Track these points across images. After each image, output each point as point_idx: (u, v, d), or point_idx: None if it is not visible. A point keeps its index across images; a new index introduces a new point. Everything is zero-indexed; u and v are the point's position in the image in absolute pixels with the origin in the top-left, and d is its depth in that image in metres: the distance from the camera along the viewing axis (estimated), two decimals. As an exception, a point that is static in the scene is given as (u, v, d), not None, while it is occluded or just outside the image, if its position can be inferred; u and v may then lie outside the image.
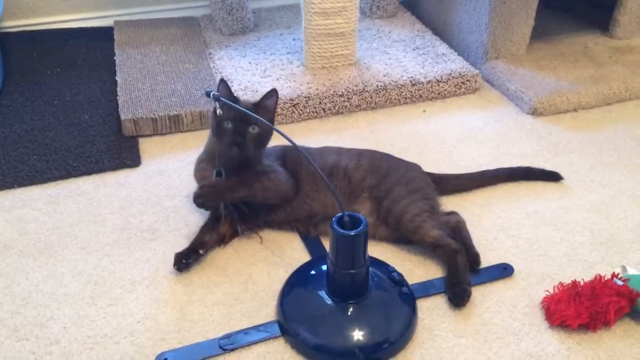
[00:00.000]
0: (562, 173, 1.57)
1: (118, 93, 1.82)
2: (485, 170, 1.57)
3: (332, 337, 1.11)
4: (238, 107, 1.20)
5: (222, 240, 1.34)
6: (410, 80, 1.90)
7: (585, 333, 1.15)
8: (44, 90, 1.91)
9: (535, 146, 1.72)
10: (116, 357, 1.10)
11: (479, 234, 1.38)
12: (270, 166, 1.34)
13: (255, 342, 1.13)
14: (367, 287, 1.15)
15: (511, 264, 1.30)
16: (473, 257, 1.28)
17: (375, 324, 1.13)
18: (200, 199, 1.27)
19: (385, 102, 1.90)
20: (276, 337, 1.14)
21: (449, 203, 1.46)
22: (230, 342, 1.12)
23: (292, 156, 1.39)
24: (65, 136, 1.70)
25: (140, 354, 1.10)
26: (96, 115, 1.79)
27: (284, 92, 1.81)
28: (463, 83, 1.96)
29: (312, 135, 1.75)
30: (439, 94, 1.95)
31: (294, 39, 2.15)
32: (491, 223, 1.42)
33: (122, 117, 1.70)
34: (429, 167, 1.51)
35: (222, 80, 1.30)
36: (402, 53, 2.07)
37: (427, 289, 1.24)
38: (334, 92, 1.84)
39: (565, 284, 1.20)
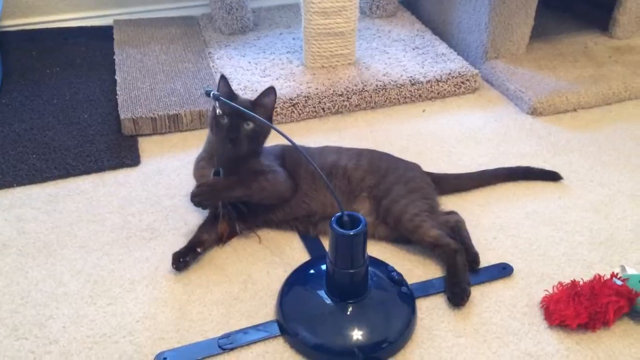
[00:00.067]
0: (562, 173, 1.57)
1: (117, 92, 1.82)
2: (484, 170, 1.57)
3: (331, 337, 1.11)
4: (238, 106, 1.20)
5: (220, 239, 1.34)
6: (410, 80, 1.90)
7: (585, 333, 1.15)
8: (44, 89, 1.91)
9: (535, 146, 1.72)
10: (115, 357, 1.10)
11: (479, 233, 1.38)
12: (269, 166, 1.34)
13: (254, 342, 1.13)
14: (366, 286, 1.15)
15: (510, 264, 1.30)
16: (472, 257, 1.28)
17: (375, 323, 1.13)
18: (197, 198, 1.27)
19: (385, 101, 1.90)
20: (275, 337, 1.14)
21: (449, 203, 1.46)
22: (229, 342, 1.12)
23: (291, 156, 1.39)
24: (65, 135, 1.70)
25: (140, 354, 1.10)
26: (95, 115, 1.79)
27: (284, 92, 1.81)
28: (462, 83, 1.96)
29: (311, 135, 1.75)
30: (438, 93, 1.95)
31: (293, 39, 2.15)
32: (490, 223, 1.42)
33: (122, 117, 1.70)
34: (428, 166, 1.51)
35: (223, 77, 1.31)
36: (401, 52, 2.07)
37: (426, 288, 1.24)
38: (334, 91, 1.84)
39: (564, 284, 1.20)
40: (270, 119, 1.34)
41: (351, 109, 1.87)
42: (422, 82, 1.91)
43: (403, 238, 1.33)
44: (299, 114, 1.82)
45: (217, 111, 1.24)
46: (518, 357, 1.11)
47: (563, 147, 1.71)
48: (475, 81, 1.98)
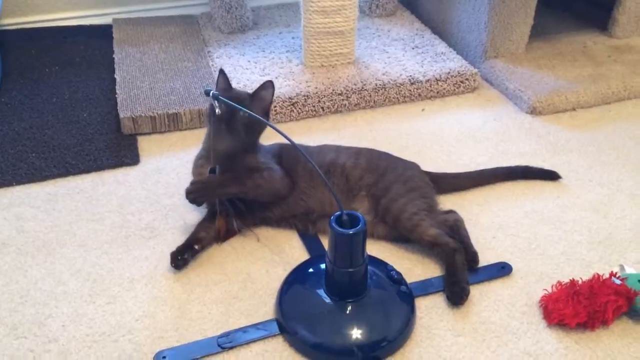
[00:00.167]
0: (561, 172, 1.57)
1: (117, 91, 1.82)
2: (483, 169, 1.57)
3: (330, 336, 1.11)
4: (238, 105, 1.20)
5: (218, 237, 1.34)
6: (409, 79, 1.90)
7: (584, 332, 1.15)
8: (43, 88, 1.91)
9: (534, 145, 1.72)
10: (114, 355, 1.10)
11: (477, 232, 1.38)
12: (265, 163, 1.34)
13: (253, 341, 1.13)
14: (365, 285, 1.15)
15: (509, 263, 1.30)
16: (471, 256, 1.28)
17: (374, 322, 1.13)
18: (192, 195, 1.27)
19: (384, 100, 1.90)
20: (275, 336, 1.14)
21: (447, 202, 1.46)
22: (228, 341, 1.12)
23: (288, 153, 1.40)
24: (64, 134, 1.70)
25: (139, 352, 1.10)
26: (95, 113, 1.79)
27: (283, 91, 1.81)
28: (462, 82, 1.96)
29: (310, 134, 1.75)
30: (437, 92, 1.95)
31: (293, 38, 2.15)
32: (489, 222, 1.43)
33: (121, 115, 1.70)
34: (427, 165, 1.51)
35: (221, 71, 1.31)
36: (401, 52, 2.07)
37: (425, 287, 1.24)
38: (333, 90, 1.84)
39: (563, 283, 1.20)
40: (267, 113, 1.35)
41: (350, 108, 1.87)
42: (421, 81, 1.91)
43: (402, 237, 1.33)
44: (298, 113, 1.82)
45: (217, 111, 1.24)
46: (517, 356, 1.11)
47: (562, 146, 1.71)
48: (474, 80, 1.98)
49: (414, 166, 1.47)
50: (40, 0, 2.27)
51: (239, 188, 1.29)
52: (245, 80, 1.86)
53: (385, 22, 2.30)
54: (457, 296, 1.20)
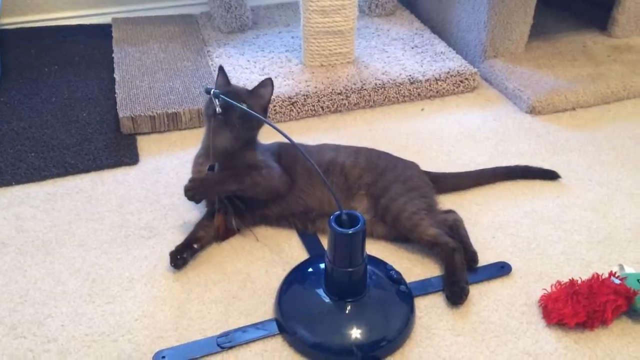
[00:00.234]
0: (560, 172, 1.57)
1: (116, 90, 1.82)
2: (483, 169, 1.57)
3: (330, 335, 1.11)
4: (238, 105, 1.20)
5: (217, 235, 1.34)
6: (409, 79, 1.90)
7: (583, 331, 1.15)
8: (42, 87, 1.91)
9: (534, 145, 1.72)
10: (114, 355, 1.10)
11: (477, 232, 1.38)
12: (263, 161, 1.34)
13: (253, 340, 1.13)
14: (365, 285, 1.15)
15: (509, 263, 1.30)
16: (471, 256, 1.28)
17: (373, 322, 1.13)
18: (191, 192, 1.27)
19: (384, 100, 1.90)
20: (274, 335, 1.14)
21: (447, 201, 1.46)
22: (228, 340, 1.12)
23: (287, 152, 1.40)
24: (63, 134, 1.69)
25: (138, 352, 1.10)
26: (94, 113, 1.79)
27: (283, 90, 1.81)
28: (461, 81, 1.96)
29: (310, 133, 1.75)
30: (437, 92, 1.95)
31: (292, 37, 2.15)
32: (489, 221, 1.42)
33: (120, 115, 1.70)
34: (427, 165, 1.51)
35: (221, 68, 1.32)
36: (400, 51, 2.07)
37: (425, 287, 1.24)
38: (333, 90, 1.84)
39: (562, 283, 1.20)
40: (266, 111, 1.35)
41: (350, 107, 1.87)
42: (421, 80, 1.91)
43: (402, 237, 1.33)
44: (298, 113, 1.82)
45: (217, 109, 1.24)
46: (516, 356, 1.11)
47: (562, 146, 1.71)
48: (474, 80, 1.98)
49: (413, 166, 1.47)
50: (39, 0, 2.27)
51: (238, 185, 1.29)
52: (244, 79, 1.86)
53: (385, 21, 2.30)
54: (456, 296, 1.20)
